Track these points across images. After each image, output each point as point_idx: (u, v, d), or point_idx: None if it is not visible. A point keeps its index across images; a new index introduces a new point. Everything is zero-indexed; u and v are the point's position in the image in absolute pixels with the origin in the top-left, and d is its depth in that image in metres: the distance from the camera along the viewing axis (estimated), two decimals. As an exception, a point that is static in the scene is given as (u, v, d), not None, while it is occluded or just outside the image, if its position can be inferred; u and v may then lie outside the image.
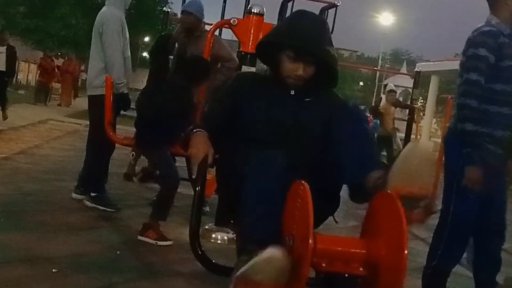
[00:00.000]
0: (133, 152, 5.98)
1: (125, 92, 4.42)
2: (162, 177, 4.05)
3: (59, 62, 19.65)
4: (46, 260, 3.20)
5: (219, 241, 4.04)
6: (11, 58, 12.31)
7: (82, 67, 29.54)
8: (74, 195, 4.78)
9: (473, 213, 3.15)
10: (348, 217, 4.69)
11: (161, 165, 4.08)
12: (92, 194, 4.64)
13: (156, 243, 3.79)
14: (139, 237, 3.84)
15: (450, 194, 3.22)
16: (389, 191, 2.01)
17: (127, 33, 4.67)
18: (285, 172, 2.08)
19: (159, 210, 3.91)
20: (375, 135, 10.31)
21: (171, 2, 26.75)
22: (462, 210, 3.16)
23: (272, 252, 1.86)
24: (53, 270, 3.03)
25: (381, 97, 11.18)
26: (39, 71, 18.90)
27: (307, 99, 2.45)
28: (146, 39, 32.73)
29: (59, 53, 22.53)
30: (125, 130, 6.18)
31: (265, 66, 2.61)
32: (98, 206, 4.58)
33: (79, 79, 21.42)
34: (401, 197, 1.95)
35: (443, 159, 3.39)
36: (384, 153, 10.80)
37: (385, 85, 11.54)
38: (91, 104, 4.75)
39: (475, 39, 3.11)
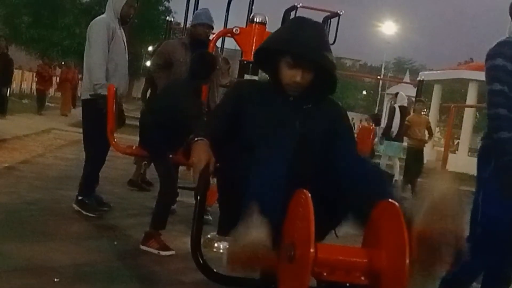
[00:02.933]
0: (145, 162, 6.02)
1: (102, 94, 4.41)
2: (160, 185, 4.04)
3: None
4: (48, 269, 3.19)
5: (221, 250, 4.03)
6: (6, 67, 12.08)
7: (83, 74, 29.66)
8: (75, 207, 4.74)
9: (503, 223, 3.08)
10: (349, 226, 4.68)
11: (160, 173, 4.07)
12: (79, 198, 4.66)
13: (159, 252, 3.78)
14: (141, 247, 3.83)
15: (478, 205, 3.17)
16: (391, 201, 2.01)
17: (120, 39, 4.66)
18: (284, 183, 2.08)
19: (158, 219, 3.91)
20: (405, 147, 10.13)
21: (175, 12, 26.88)
22: (491, 219, 3.10)
23: (254, 237, 1.88)
24: (55, 280, 3.02)
25: (394, 106, 10.75)
26: (36, 79, 18.36)
27: (306, 106, 2.45)
28: (150, 48, 32.84)
29: (62, 63, 22.58)
30: (127, 139, 6.19)
31: (267, 75, 2.62)
32: (81, 211, 4.58)
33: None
34: (428, 240, 1.85)
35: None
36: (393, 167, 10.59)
37: (396, 94, 11.16)
38: (82, 108, 4.78)
39: (492, 51, 3.09)
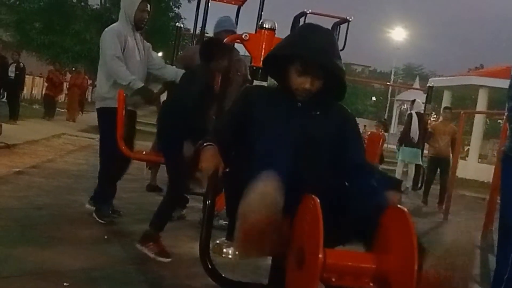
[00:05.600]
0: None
1: (140, 86, 4.40)
2: (168, 186, 4.02)
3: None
4: (58, 274, 3.21)
5: (230, 256, 4.03)
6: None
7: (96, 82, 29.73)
8: (87, 206, 4.79)
9: None
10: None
11: (170, 173, 4.04)
12: (96, 204, 4.70)
13: (155, 258, 3.70)
14: (137, 245, 3.76)
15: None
16: (399, 206, 2.00)
17: (133, 47, 4.61)
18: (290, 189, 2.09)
19: (159, 218, 3.87)
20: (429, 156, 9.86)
21: (184, 18, 26.95)
22: None
23: (263, 187, 1.93)
24: (65, 284, 3.03)
25: (411, 112, 10.56)
26: (46, 85, 18.00)
27: (315, 112, 2.45)
28: (160, 54, 33.04)
29: (73, 68, 22.65)
30: (137, 144, 6.20)
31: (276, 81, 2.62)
32: (94, 214, 4.62)
33: (94, 94, 21.26)
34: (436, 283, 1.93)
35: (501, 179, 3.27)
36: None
37: (413, 101, 10.94)
38: (97, 116, 4.80)
39: None
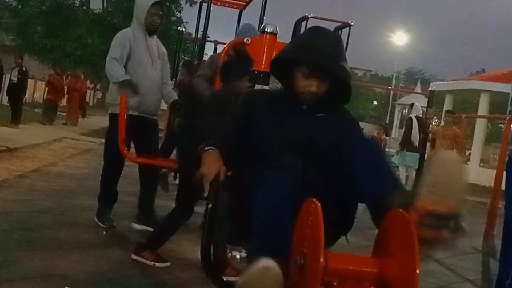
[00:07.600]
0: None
1: (123, 78, 4.38)
2: (178, 203, 3.87)
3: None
4: (60, 277, 3.22)
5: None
6: None
7: (98, 86, 29.69)
8: (134, 225, 4.74)
9: None
10: (360, 236, 4.66)
11: (181, 194, 3.89)
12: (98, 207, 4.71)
13: (154, 264, 3.69)
14: (133, 256, 3.73)
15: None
16: (401, 210, 2.00)
17: (142, 52, 4.59)
18: (299, 183, 2.08)
19: (160, 235, 3.80)
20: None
21: (186, 22, 27.03)
22: None
23: (266, 262, 1.84)
24: (66, 288, 3.05)
25: (411, 116, 10.50)
26: (47, 89, 17.69)
27: (320, 115, 2.46)
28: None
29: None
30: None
31: (278, 84, 2.62)
32: (95, 218, 4.64)
33: (96, 98, 21.21)
34: (428, 215, 1.86)
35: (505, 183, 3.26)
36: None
37: (412, 104, 10.89)
38: (109, 121, 4.80)
39: None
